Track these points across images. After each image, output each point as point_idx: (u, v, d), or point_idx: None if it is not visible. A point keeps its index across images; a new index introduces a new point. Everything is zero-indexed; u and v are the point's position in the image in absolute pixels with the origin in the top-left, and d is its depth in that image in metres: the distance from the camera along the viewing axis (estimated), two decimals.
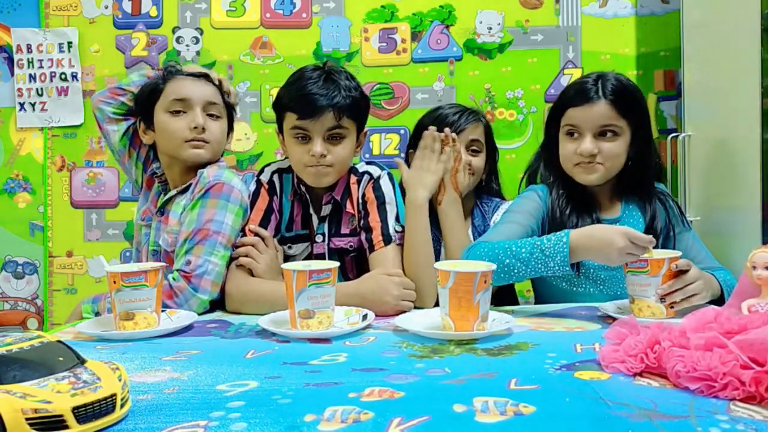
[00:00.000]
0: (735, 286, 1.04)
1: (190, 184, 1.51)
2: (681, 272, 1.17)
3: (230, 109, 1.62)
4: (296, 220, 1.56)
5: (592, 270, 1.43)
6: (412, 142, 1.72)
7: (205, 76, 1.57)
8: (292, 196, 1.55)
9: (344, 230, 1.54)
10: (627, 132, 1.42)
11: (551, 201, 1.46)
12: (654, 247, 1.18)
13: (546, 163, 1.54)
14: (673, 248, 1.40)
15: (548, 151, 1.53)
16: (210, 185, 1.46)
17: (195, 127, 1.49)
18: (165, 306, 1.32)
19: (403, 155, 2.39)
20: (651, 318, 1.14)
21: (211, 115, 1.53)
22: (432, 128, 1.56)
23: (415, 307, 1.34)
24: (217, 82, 1.58)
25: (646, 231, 1.38)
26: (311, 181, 1.50)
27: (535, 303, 1.57)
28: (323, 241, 1.54)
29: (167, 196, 1.55)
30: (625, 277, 1.21)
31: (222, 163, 1.57)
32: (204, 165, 1.53)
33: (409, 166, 1.59)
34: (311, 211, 1.55)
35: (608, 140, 1.41)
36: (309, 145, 1.45)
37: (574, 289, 1.44)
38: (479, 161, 1.68)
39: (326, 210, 1.54)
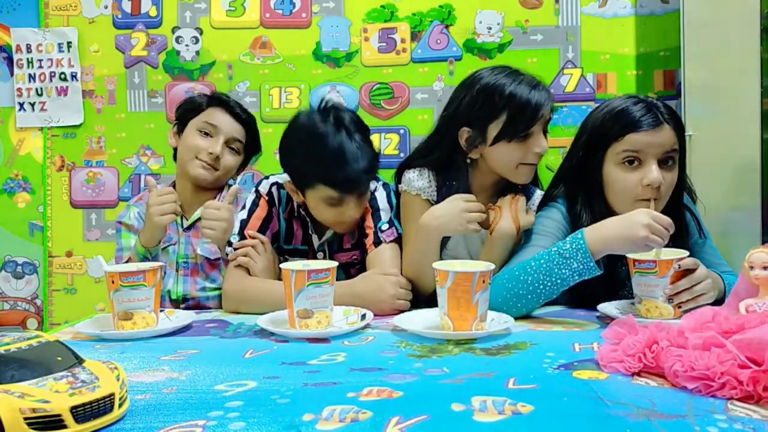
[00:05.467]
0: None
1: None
2: (688, 272, 1.16)
3: (252, 149, 1.76)
4: (296, 235, 1.56)
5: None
6: (472, 113, 1.41)
7: (245, 119, 1.70)
8: (287, 215, 1.55)
9: (346, 245, 1.54)
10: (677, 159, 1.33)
11: (575, 223, 1.34)
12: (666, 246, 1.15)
13: (578, 188, 1.37)
14: None
15: (583, 176, 1.36)
16: None
17: (211, 153, 1.64)
18: None
19: (403, 155, 2.40)
20: (659, 318, 1.13)
21: (231, 149, 1.69)
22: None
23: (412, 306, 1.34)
24: (251, 122, 1.72)
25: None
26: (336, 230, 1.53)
27: None
28: (324, 258, 1.54)
29: (198, 215, 1.64)
30: (632, 277, 1.20)
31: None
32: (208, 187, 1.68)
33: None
34: (311, 231, 1.55)
35: (669, 169, 1.30)
36: (342, 208, 1.43)
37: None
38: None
39: (329, 234, 1.53)
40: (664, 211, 1.30)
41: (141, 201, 1.73)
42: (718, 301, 1.18)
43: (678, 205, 1.38)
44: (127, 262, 1.57)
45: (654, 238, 1.10)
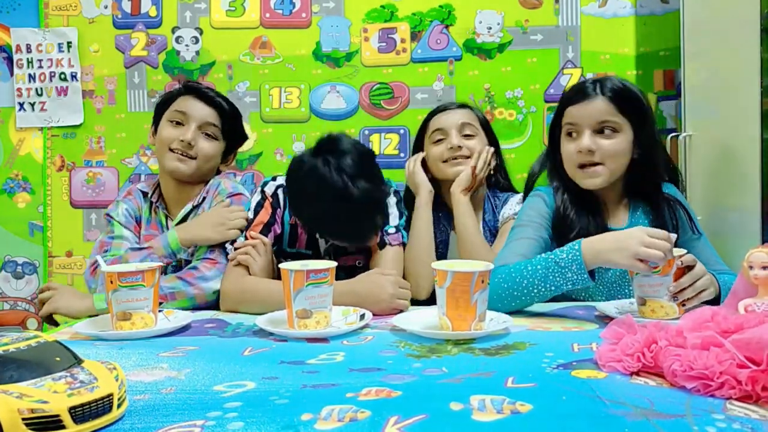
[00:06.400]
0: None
1: (205, 198, 1.63)
2: (688, 268, 1.17)
3: (236, 135, 1.71)
4: (300, 239, 1.56)
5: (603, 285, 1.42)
6: (416, 145, 1.83)
7: (218, 102, 1.65)
8: (293, 220, 1.55)
9: (351, 249, 1.55)
10: (628, 131, 1.40)
11: (557, 205, 1.45)
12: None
13: (551, 169, 1.53)
14: None
15: (552, 156, 1.51)
16: (231, 194, 1.60)
17: (182, 140, 1.59)
18: (187, 283, 1.46)
19: (403, 155, 2.40)
20: (664, 318, 1.14)
21: (207, 135, 1.63)
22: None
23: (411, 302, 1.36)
24: (226, 105, 1.66)
25: None
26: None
27: None
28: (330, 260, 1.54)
29: (184, 213, 1.63)
30: (633, 279, 1.20)
31: (230, 174, 1.71)
32: (187, 180, 1.63)
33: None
34: (317, 235, 1.55)
35: (606, 137, 1.39)
36: None
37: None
38: (475, 143, 1.70)
39: None
40: (643, 202, 1.45)
41: (130, 197, 1.71)
42: (714, 301, 1.19)
43: (656, 190, 1.45)
44: (140, 249, 1.54)
45: (646, 251, 1.13)
